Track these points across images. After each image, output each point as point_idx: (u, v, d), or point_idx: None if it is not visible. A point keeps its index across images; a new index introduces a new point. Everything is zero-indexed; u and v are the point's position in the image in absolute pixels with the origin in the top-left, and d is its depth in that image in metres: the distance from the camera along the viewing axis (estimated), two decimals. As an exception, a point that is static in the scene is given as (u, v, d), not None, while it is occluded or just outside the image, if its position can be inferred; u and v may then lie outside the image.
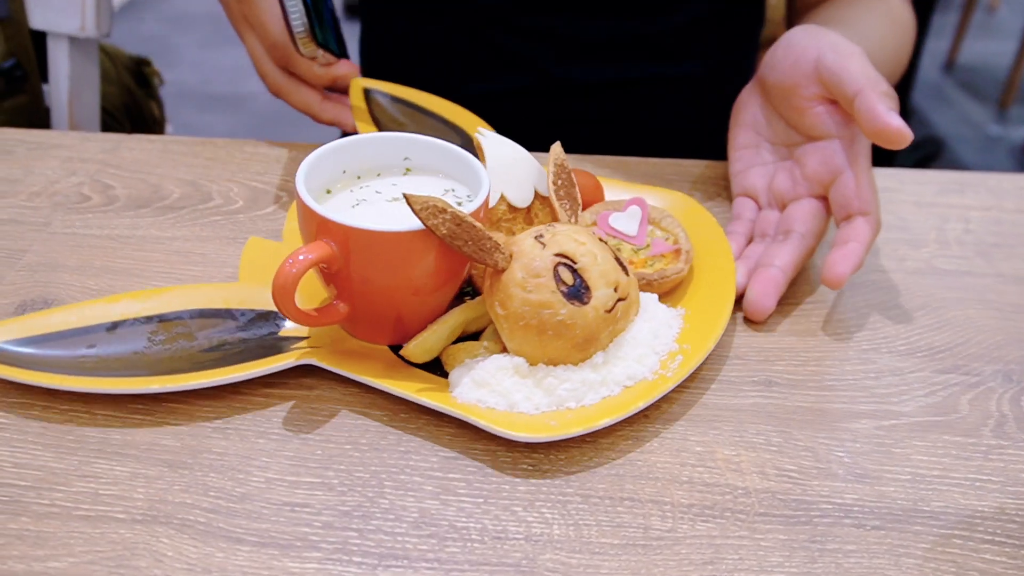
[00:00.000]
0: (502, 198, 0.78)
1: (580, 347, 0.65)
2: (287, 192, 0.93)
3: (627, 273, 0.70)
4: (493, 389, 0.68)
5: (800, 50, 0.80)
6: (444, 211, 0.65)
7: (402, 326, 0.68)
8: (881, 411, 0.74)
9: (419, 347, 0.67)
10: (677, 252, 0.80)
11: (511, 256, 0.65)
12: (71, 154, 0.94)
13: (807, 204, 0.81)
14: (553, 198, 0.74)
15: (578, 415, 0.67)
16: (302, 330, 0.73)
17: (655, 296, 0.76)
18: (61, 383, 0.68)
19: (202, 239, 0.85)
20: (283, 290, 0.62)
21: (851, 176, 0.78)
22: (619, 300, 0.66)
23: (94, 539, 0.61)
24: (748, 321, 0.77)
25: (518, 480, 0.63)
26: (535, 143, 0.96)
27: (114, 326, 0.72)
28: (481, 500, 0.65)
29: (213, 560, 0.60)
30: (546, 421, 0.67)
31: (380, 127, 0.93)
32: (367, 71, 1.26)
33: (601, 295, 0.66)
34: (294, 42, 0.90)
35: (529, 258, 0.64)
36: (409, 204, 0.62)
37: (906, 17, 1.05)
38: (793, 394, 0.75)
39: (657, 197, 0.86)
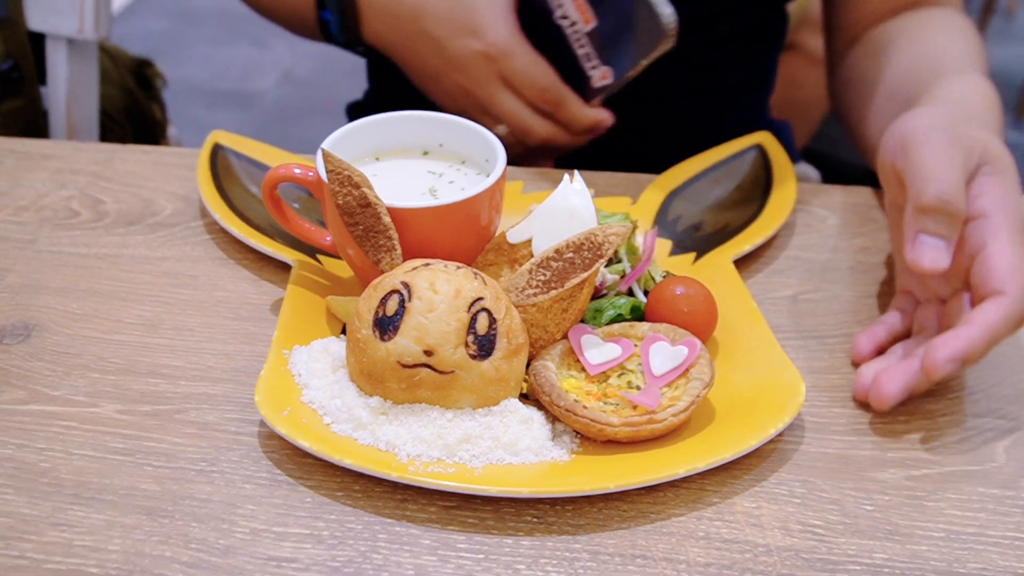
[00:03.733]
0: (503, 233, 0.74)
1: (366, 376, 0.63)
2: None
3: (483, 359, 0.63)
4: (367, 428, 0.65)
5: (887, 148, 0.73)
6: (357, 186, 0.66)
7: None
8: (912, 459, 0.69)
9: (342, 307, 0.71)
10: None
11: (399, 265, 0.65)
12: (62, 165, 0.90)
13: (958, 300, 0.69)
14: (534, 263, 0.66)
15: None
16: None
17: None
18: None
19: (193, 259, 0.82)
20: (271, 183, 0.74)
21: (989, 251, 0.65)
22: (426, 367, 0.61)
23: (64, 596, 0.57)
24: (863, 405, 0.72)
25: (521, 535, 0.58)
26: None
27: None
28: (482, 556, 0.60)
29: (191, 622, 0.55)
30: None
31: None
32: (375, 76, 1.22)
33: (402, 344, 0.62)
34: (582, 79, 0.91)
35: (401, 270, 0.64)
36: (324, 162, 0.66)
37: (963, 21, 0.98)
38: (817, 439, 0.70)
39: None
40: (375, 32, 0.95)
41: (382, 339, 0.61)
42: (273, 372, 0.67)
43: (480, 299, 0.62)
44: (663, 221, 0.90)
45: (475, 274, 0.64)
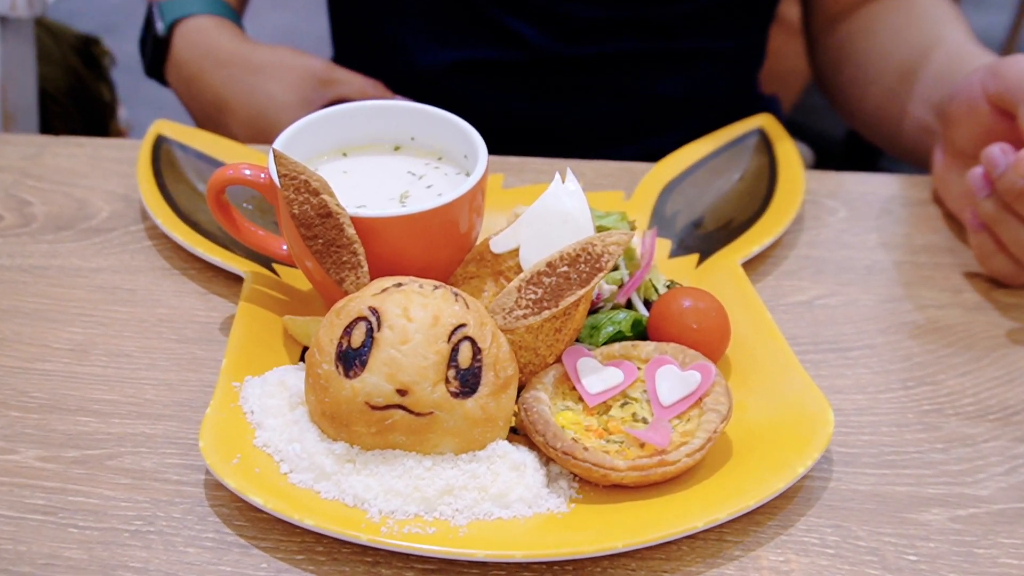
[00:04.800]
0: (485, 240, 0.65)
1: (329, 419, 0.56)
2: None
3: (466, 396, 0.56)
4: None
5: (965, 94, 0.78)
6: (315, 193, 0.59)
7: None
8: (955, 496, 0.61)
9: (302, 328, 0.64)
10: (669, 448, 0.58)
11: (366, 285, 0.58)
12: (-17, 161, 0.79)
13: None
14: (523, 279, 0.59)
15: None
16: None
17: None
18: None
19: (132, 270, 0.74)
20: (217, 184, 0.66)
21: None
22: (400, 408, 0.54)
23: None
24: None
25: (514, 605, 0.49)
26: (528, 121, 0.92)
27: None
28: (468, 633, 0.51)
29: None
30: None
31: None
32: (340, 45, 1.14)
33: (371, 382, 0.54)
34: None
35: (369, 292, 0.57)
36: (276, 164, 0.59)
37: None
38: (847, 473, 0.62)
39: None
40: (176, 88, 0.98)
41: (347, 375, 0.54)
42: (221, 409, 0.59)
43: (462, 326, 0.54)
44: (661, 217, 0.82)
45: (455, 295, 0.56)
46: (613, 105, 1.02)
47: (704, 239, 0.79)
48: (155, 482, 0.58)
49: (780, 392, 0.64)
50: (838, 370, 0.68)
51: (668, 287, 0.70)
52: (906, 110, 0.93)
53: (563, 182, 0.64)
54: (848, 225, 0.84)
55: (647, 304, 0.70)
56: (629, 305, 0.70)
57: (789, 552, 0.56)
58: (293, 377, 0.61)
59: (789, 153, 0.87)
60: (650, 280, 0.71)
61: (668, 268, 0.76)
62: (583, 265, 0.60)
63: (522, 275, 0.60)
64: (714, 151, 0.88)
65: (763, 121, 0.91)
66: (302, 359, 0.64)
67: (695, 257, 0.78)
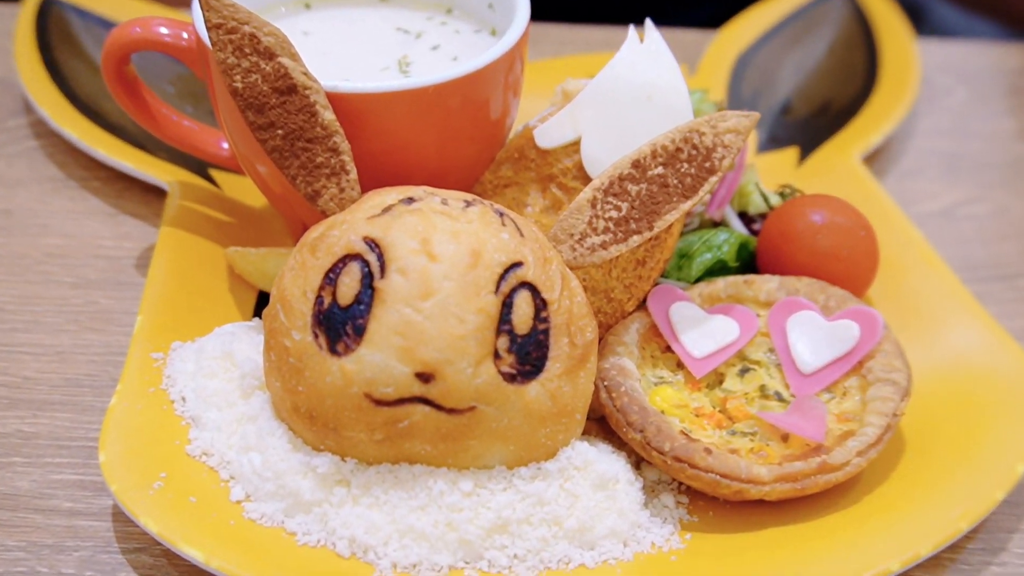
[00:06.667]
0: (526, 129, 0.47)
1: (306, 418, 0.38)
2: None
3: (528, 379, 0.38)
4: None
5: None
6: (269, 55, 0.42)
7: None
8: None
9: (255, 266, 0.48)
10: (843, 438, 0.42)
11: (356, 201, 0.41)
12: None
13: None
14: (599, 186, 0.42)
15: None
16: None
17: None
18: None
19: (8, 183, 0.58)
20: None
21: None
22: (423, 402, 0.37)
23: None
24: None
25: None
26: None
27: None
28: None
29: None
30: None
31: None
32: None
33: (373, 362, 0.37)
34: None
35: (362, 214, 0.39)
36: (204, 12, 0.41)
37: None
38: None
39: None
40: None
41: (333, 351, 0.37)
42: (135, 395, 0.44)
43: (516, 265, 0.38)
44: (738, 99, 0.67)
45: (500, 215, 0.40)
46: None
47: (800, 128, 0.66)
48: (34, 514, 0.42)
49: (957, 344, 0.49)
50: (1010, 306, 0.55)
51: (785, 196, 0.50)
52: None
53: (641, 41, 0.48)
54: (972, 108, 0.73)
55: (746, 219, 0.51)
56: (720, 223, 0.52)
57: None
58: (245, 342, 0.45)
59: (887, 14, 0.73)
60: (748, 185, 0.52)
61: (761, 167, 0.59)
62: (686, 164, 0.43)
63: (596, 182, 0.43)
64: (789, 14, 0.75)
65: None
66: (258, 314, 0.49)
67: (794, 152, 0.63)
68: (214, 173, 0.59)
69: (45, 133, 0.62)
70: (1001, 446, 0.43)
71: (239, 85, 0.42)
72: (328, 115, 0.41)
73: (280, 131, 0.42)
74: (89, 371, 0.49)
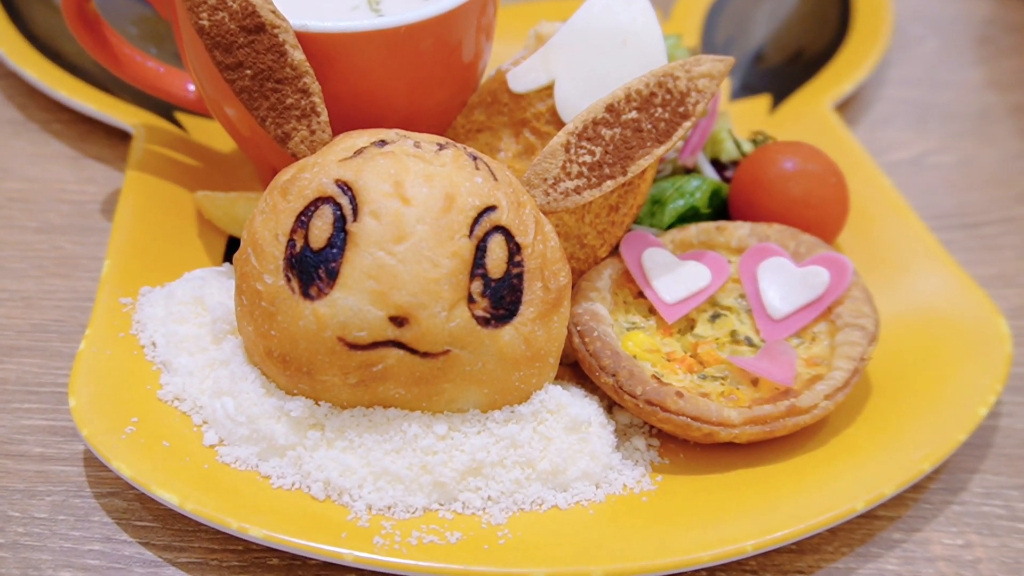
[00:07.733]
0: (499, 72, 0.46)
1: (279, 361, 0.37)
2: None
3: (501, 323, 0.37)
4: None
5: None
6: None
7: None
8: None
9: (224, 210, 0.46)
10: (811, 382, 0.42)
11: (327, 143, 0.40)
12: None
13: None
14: (572, 131, 0.41)
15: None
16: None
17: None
18: None
19: None
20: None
21: None
22: (396, 346, 0.36)
23: None
24: None
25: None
26: None
27: None
28: None
29: None
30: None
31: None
32: None
33: (346, 305, 0.36)
34: None
35: (334, 156, 0.38)
36: None
37: None
38: (1021, 404, 0.45)
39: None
40: None
41: (305, 295, 0.37)
42: (104, 340, 0.42)
43: (490, 209, 0.38)
44: (711, 46, 0.66)
45: (473, 158, 0.38)
46: None
47: (773, 75, 0.65)
48: (4, 459, 0.41)
49: (923, 290, 0.49)
50: (974, 254, 0.55)
51: (757, 143, 0.50)
52: None
53: None
54: (942, 58, 0.71)
55: (718, 166, 0.50)
56: (692, 169, 0.50)
57: (969, 531, 0.41)
58: (215, 287, 0.44)
59: None
60: (720, 132, 0.51)
61: (733, 114, 0.57)
62: (660, 109, 0.42)
63: (569, 126, 0.41)
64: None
65: None
66: (228, 259, 0.46)
67: (766, 99, 0.63)
68: (180, 116, 0.57)
69: (3, 74, 0.59)
70: (964, 390, 0.43)
71: (205, 23, 0.40)
72: (298, 55, 0.40)
73: (248, 71, 0.40)
74: (56, 316, 0.47)
